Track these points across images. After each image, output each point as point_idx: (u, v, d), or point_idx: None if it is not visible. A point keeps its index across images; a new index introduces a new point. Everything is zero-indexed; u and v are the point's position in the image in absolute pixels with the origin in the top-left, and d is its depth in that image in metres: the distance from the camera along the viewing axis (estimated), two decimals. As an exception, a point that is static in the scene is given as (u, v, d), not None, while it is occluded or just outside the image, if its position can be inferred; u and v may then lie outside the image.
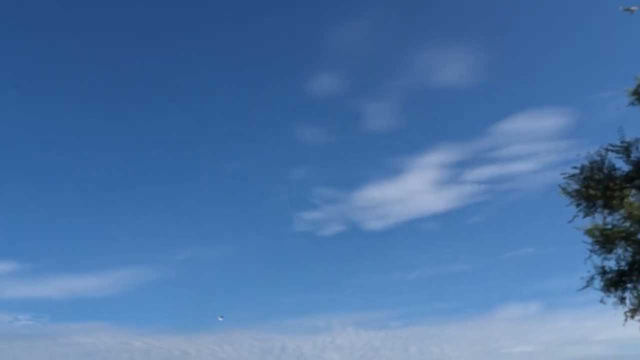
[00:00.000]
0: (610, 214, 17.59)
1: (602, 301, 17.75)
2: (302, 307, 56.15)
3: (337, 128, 64.55)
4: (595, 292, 17.86)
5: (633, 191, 17.32)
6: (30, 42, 59.26)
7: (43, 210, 58.35)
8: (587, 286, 17.86)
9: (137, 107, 64.61)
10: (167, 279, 55.78)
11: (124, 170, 61.96)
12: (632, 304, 17.46)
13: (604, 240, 17.42)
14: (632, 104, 17.39)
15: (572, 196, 17.91)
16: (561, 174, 17.82)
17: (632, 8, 21.15)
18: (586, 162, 17.89)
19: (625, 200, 17.19)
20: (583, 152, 17.89)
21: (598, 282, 17.78)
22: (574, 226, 17.93)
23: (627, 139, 17.51)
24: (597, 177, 17.56)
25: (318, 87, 60.70)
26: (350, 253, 60.27)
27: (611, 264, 17.69)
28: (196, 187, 62.97)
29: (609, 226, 17.50)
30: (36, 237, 57.50)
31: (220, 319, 41.40)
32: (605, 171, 17.60)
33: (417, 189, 57.55)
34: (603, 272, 17.65)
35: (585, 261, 17.87)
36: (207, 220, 61.11)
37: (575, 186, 17.89)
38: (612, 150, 17.56)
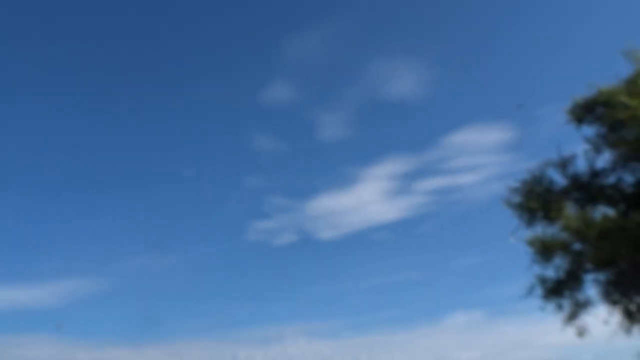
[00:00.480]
0: (549, 225, 18.56)
1: (542, 308, 18.69)
2: (254, 317, 55.83)
3: (291, 137, 64.87)
4: (536, 300, 18.78)
5: (570, 204, 18.37)
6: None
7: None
8: (528, 294, 18.75)
9: (86, 107, 62.77)
10: (114, 289, 54.29)
11: (69, 173, 60.11)
12: (569, 311, 18.46)
13: (544, 251, 18.36)
14: (569, 122, 18.50)
15: (514, 208, 18.84)
16: (505, 188, 18.76)
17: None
18: (527, 176, 18.90)
19: (563, 212, 18.19)
20: (524, 166, 18.92)
21: (538, 290, 18.70)
22: (516, 237, 18.84)
23: (565, 154, 18.63)
24: (537, 190, 18.54)
25: (273, 96, 60.89)
26: (302, 262, 60.51)
27: (550, 273, 18.65)
28: (147, 192, 61.76)
29: (548, 237, 18.46)
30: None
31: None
32: (545, 185, 18.62)
33: (368, 198, 58.48)
34: (543, 280, 18.58)
35: (527, 270, 18.78)
36: (158, 228, 60.03)
37: (518, 199, 18.82)
38: (551, 165, 18.63)
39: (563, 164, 18.51)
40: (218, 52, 66.67)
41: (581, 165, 18.61)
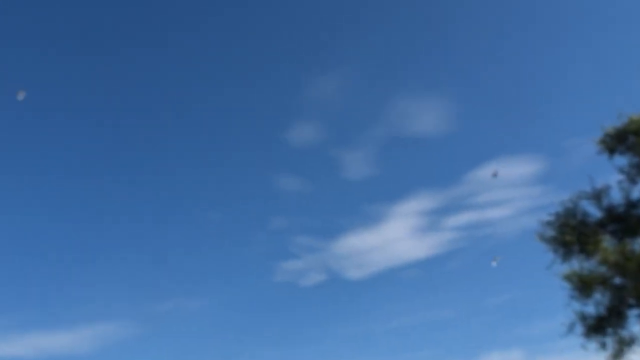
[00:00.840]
0: (586, 259, 17.97)
1: (584, 347, 17.90)
2: (283, 358, 54.93)
3: (316, 177, 65.04)
4: (577, 338, 18.02)
5: (607, 237, 17.79)
6: None
7: (5, 259, 56.71)
8: (569, 332, 18.02)
9: (114, 150, 64.10)
10: (144, 333, 54.11)
11: (99, 218, 60.95)
12: (613, 349, 17.63)
13: (582, 286, 17.72)
14: (599, 152, 18.12)
15: (548, 242, 18.31)
16: (538, 221, 18.30)
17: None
18: (560, 209, 18.43)
19: (600, 245, 17.62)
20: (556, 198, 18.46)
21: (579, 328, 17.97)
22: (552, 272, 18.25)
23: (598, 185, 18.16)
24: (571, 223, 18.03)
25: (297, 137, 61.45)
26: (330, 303, 59.59)
27: (590, 309, 17.94)
28: (175, 236, 62.18)
29: (586, 272, 17.84)
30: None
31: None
32: (579, 217, 18.11)
33: (396, 236, 57.83)
34: (583, 317, 17.87)
35: (565, 307, 18.11)
36: (186, 271, 60.09)
37: (552, 233, 18.32)
38: (584, 198, 18.15)
39: (597, 196, 18.03)
40: (242, 94, 67.86)
41: (616, 196, 18.11)
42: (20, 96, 26.64)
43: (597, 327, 17.68)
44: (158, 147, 63.45)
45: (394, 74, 65.46)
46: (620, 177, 17.95)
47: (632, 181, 17.80)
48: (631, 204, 17.83)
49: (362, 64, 63.95)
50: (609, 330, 17.65)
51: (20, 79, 56.72)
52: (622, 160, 18.00)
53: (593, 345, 17.80)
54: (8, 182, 58.18)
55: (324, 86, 60.89)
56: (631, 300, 17.35)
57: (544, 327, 45.18)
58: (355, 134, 64.77)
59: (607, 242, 17.78)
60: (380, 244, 57.34)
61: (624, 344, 17.60)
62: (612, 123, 18.03)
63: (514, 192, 55.52)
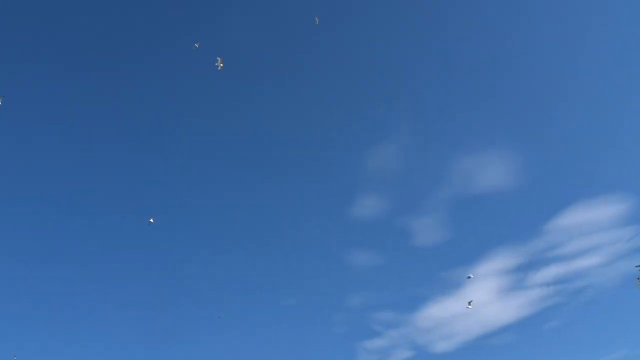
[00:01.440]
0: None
1: None
2: None
3: (387, 249, 63.69)
4: None
5: None
6: None
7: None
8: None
9: (195, 249, 65.59)
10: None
11: (176, 308, 61.55)
12: None
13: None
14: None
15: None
16: (636, 266, 16.53)
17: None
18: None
19: None
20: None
21: None
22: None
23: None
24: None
25: (362, 211, 61.08)
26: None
27: None
28: (254, 325, 61.72)
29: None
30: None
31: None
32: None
33: (481, 301, 54.72)
34: None
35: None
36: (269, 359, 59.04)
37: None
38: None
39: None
40: (303, 174, 68.81)
41: None
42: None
43: None
44: (231, 239, 64.57)
45: (451, 133, 64.75)
46: None
47: None
48: None
49: (417, 128, 63.86)
50: None
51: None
52: None
53: None
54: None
55: (382, 155, 60.91)
56: None
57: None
58: (421, 200, 63.58)
59: None
60: (466, 311, 54.38)
61: None
62: None
63: (603, 237, 51.81)
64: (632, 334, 50.44)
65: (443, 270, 60.22)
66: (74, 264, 59.99)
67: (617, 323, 52.81)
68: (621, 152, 60.15)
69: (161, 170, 64.01)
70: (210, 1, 61.85)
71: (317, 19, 39.84)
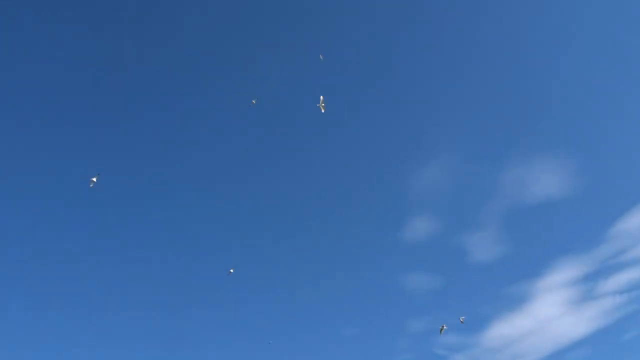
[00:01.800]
0: None
1: None
2: None
3: (444, 269, 62.07)
4: None
5: None
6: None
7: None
8: None
9: (253, 279, 65.41)
10: None
11: (234, 342, 61.16)
12: None
13: None
14: None
15: None
16: None
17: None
18: None
19: None
20: None
21: None
22: None
23: None
24: None
25: (414, 233, 60.01)
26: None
27: None
28: (315, 356, 60.68)
29: None
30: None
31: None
32: None
33: (549, 315, 52.34)
34: None
35: None
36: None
37: None
38: None
39: None
40: (352, 200, 68.21)
41: None
42: None
43: None
44: (287, 269, 63.91)
45: (498, 144, 63.36)
46: None
47: None
48: None
49: (461, 143, 62.86)
50: None
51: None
52: None
53: None
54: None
55: (429, 175, 60.06)
56: None
57: None
58: (474, 215, 61.98)
59: None
60: (535, 327, 52.23)
61: None
62: None
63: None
64: None
65: (505, 285, 58.10)
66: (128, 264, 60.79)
67: None
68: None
69: (215, 210, 65.04)
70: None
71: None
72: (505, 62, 63.19)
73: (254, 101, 35.98)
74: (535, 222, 60.16)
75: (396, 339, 56.40)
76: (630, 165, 59.29)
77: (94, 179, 32.14)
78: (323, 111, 30.58)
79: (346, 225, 64.89)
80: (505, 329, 52.83)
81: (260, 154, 65.72)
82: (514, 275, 58.64)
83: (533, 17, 62.61)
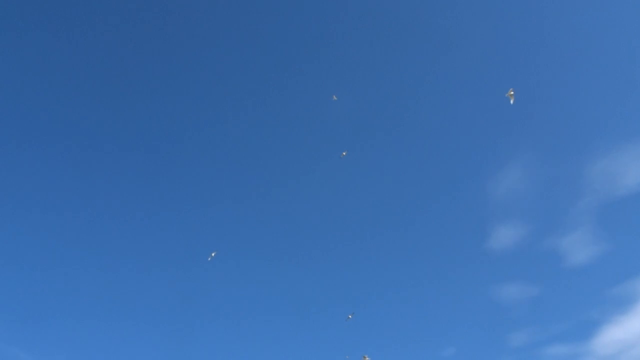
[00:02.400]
0: None
1: None
2: None
3: (538, 276, 59.16)
4: None
5: None
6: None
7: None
8: None
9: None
10: None
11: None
12: None
13: None
14: None
15: None
16: None
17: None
18: None
19: None
20: None
21: None
22: None
23: None
24: None
25: (500, 241, 57.71)
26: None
27: None
28: None
29: None
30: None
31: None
32: None
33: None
34: None
35: None
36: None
37: None
38: None
39: None
40: (432, 215, 65.34)
41: None
42: None
43: None
44: (374, 289, 61.06)
45: (579, 136, 58.27)
46: None
47: None
48: None
49: (541, 141, 58.84)
50: None
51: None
52: None
53: None
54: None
55: (509, 177, 57.85)
56: None
57: None
58: (563, 216, 58.27)
59: None
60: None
61: None
62: None
63: None
64: None
65: (609, 286, 52.33)
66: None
67: None
68: None
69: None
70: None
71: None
72: (578, 47, 57.98)
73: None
74: (632, 214, 55.96)
75: (498, 355, 52.23)
76: None
77: (213, 254, 33.97)
78: (512, 102, 29.23)
79: (427, 242, 60.68)
80: (617, 333, 48.22)
81: (333, 165, 64.10)
82: (618, 274, 52.66)
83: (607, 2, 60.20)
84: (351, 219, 64.88)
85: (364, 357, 29.40)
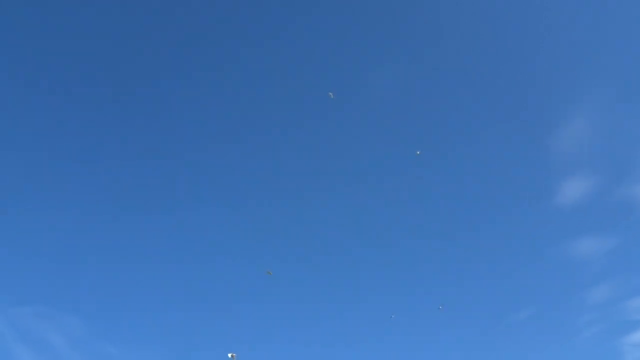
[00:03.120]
0: None
1: None
2: None
3: (614, 228, 54.66)
4: None
5: None
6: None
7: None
8: None
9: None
10: None
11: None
12: None
13: None
14: None
15: None
16: None
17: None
18: None
19: None
20: None
21: None
22: None
23: None
24: None
25: (569, 196, 53.39)
26: None
27: None
28: (484, 346, 55.53)
29: None
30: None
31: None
32: None
33: None
34: None
35: None
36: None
37: None
38: None
39: None
40: (497, 173, 60.90)
41: None
42: None
43: None
44: (446, 251, 58.16)
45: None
46: None
47: None
48: None
49: (605, 86, 55.06)
50: None
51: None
52: None
53: None
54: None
55: (572, 125, 54.49)
56: None
57: None
58: (633, 163, 54.46)
59: None
60: None
61: None
62: None
63: None
64: None
65: None
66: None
67: None
68: None
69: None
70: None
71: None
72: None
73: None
74: None
75: (578, 313, 51.18)
76: None
77: (269, 272, 34.55)
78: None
79: (495, 204, 58.49)
80: None
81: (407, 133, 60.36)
82: None
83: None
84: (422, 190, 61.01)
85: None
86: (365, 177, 60.77)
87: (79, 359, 46.94)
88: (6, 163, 54.54)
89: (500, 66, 58.57)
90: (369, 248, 58.04)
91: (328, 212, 59.90)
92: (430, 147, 59.91)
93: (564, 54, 57.14)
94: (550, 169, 56.97)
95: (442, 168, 60.36)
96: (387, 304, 54.93)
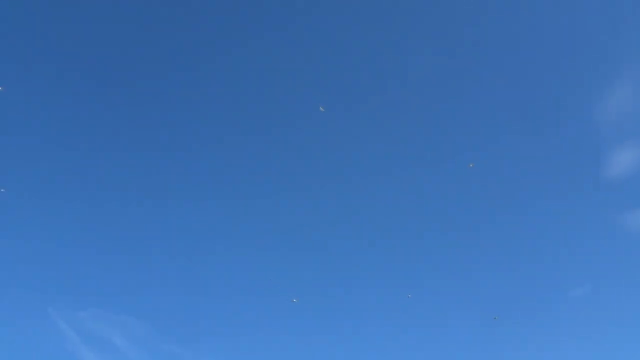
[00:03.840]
0: None
1: None
2: None
3: None
4: None
5: None
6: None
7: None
8: None
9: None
10: None
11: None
12: None
13: None
14: None
15: None
16: None
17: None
18: None
19: None
20: None
21: None
22: None
23: None
24: None
25: (619, 167, 50.41)
26: None
27: None
28: (539, 323, 57.12)
29: None
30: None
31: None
32: None
33: None
34: None
35: None
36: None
37: None
38: None
39: None
40: (537, 143, 57.41)
41: None
42: None
43: None
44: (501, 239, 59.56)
45: None
46: None
47: None
48: None
49: None
50: None
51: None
52: None
53: None
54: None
55: (618, 93, 51.13)
56: None
57: None
58: None
59: None
60: None
61: None
62: None
63: None
64: None
65: None
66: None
67: None
68: None
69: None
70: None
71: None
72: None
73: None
74: None
75: (637, 291, 49.38)
76: None
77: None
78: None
79: (539, 177, 54.93)
80: None
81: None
82: None
83: None
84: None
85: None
86: (367, 174, 58.67)
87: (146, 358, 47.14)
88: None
89: (539, 37, 55.39)
90: (387, 240, 55.52)
91: (330, 210, 58.38)
92: (472, 122, 57.14)
93: (606, 21, 53.88)
94: (596, 139, 53.85)
95: (484, 144, 57.35)
96: (413, 288, 52.58)
